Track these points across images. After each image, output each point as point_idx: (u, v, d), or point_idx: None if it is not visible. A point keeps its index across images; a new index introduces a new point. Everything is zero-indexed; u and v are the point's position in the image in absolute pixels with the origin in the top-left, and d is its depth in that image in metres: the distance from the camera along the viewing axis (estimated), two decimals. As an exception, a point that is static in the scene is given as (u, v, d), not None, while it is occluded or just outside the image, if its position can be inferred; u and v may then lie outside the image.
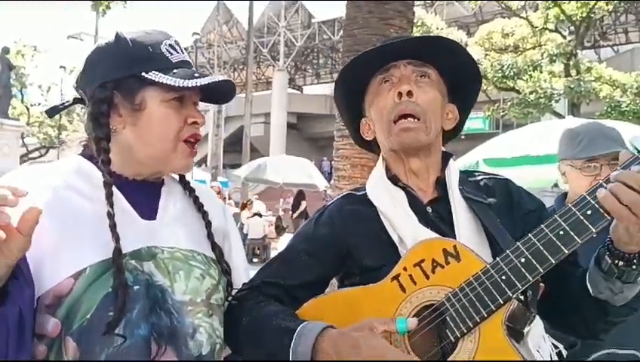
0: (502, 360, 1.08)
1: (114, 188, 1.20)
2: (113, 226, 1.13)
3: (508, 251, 1.11)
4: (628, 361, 1.92)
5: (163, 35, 1.27)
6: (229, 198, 18.46)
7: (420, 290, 1.18)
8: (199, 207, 1.34)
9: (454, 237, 1.26)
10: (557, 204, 2.24)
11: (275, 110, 35.40)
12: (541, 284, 1.19)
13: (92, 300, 1.10)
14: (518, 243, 1.10)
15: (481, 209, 1.30)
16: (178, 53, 1.26)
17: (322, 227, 1.40)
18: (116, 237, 1.12)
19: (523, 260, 1.08)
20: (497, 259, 1.12)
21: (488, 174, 1.46)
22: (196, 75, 1.21)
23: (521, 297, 1.13)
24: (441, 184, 1.37)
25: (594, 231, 1.04)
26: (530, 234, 1.09)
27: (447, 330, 1.14)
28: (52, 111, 1.35)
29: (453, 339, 1.13)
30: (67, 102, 1.34)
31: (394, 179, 1.38)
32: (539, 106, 16.13)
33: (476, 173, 1.45)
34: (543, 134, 5.25)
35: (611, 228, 1.06)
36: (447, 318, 1.14)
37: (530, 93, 16.15)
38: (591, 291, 1.16)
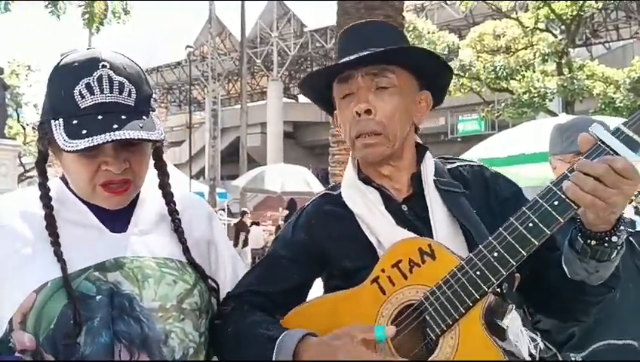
0: (482, 355, 1.10)
1: (83, 206, 1.26)
2: (59, 254, 1.18)
3: (481, 246, 1.13)
4: (626, 351, 1.93)
5: (89, 69, 1.17)
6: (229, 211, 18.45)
7: (399, 291, 1.20)
8: (171, 210, 1.34)
9: (431, 234, 1.27)
10: None
11: (271, 120, 35.45)
12: (516, 275, 1.20)
13: (53, 310, 1.14)
14: (490, 238, 1.12)
15: (457, 201, 1.31)
16: (94, 94, 1.15)
17: (300, 231, 1.41)
18: (60, 259, 1.17)
19: (496, 254, 1.10)
20: (471, 254, 1.14)
21: (464, 161, 1.44)
22: (92, 130, 1.13)
23: (497, 290, 1.14)
24: (416, 179, 1.36)
25: (562, 221, 1.07)
26: (500, 229, 1.11)
27: (427, 329, 1.16)
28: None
29: (434, 337, 1.15)
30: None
31: (366, 180, 1.37)
32: (533, 106, 16.18)
33: (452, 160, 1.44)
34: (536, 132, 5.28)
35: (580, 213, 1.08)
36: (427, 317, 1.15)
37: (524, 93, 16.21)
38: (567, 273, 1.17)
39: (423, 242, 1.20)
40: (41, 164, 1.26)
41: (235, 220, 17.86)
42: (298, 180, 15.36)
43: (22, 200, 1.27)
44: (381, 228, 1.30)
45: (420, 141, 1.44)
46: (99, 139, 1.11)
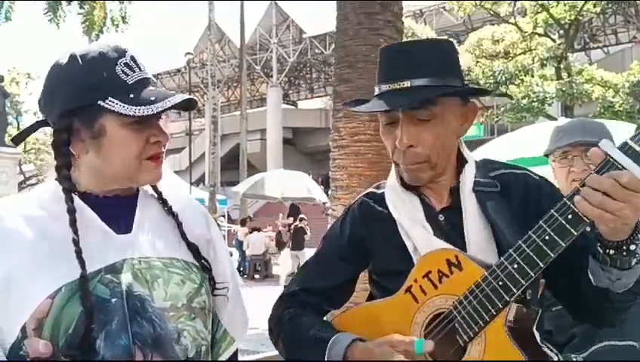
0: (506, 360, 1.18)
1: (86, 208, 1.23)
2: (79, 253, 1.16)
3: (502, 258, 1.19)
4: (626, 353, 1.94)
5: (118, 53, 1.22)
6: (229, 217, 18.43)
7: (430, 300, 1.28)
8: (169, 209, 1.35)
9: (465, 245, 1.32)
10: None
11: (271, 126, 35.51)
12: (541, 281, 1.25)
13: (71, 315, 1.14)
14: (510, 251, 1.18)
15: (492, 203, 1.35)
16: (134, 71, 1.22)
17: (346, 227, 1.51)
18: (82, 263, 1.15)
19: (516, 266, 1.17)
20: (493, 266, 1.20)
21: (509, 168, 1.45)
22: (153, 97, 1.20)
23: (522, 296, 1.20)
24: (455, 191, 1.40)
25: (575, 234, 1.12)
26: (520, 241, 1.17)
27: (457, 335, 1.23)
28: (18, 138, 1.37)
29: (462, 344, 1.23)
30: (31, 126, 1.34)
31: (408, 186, 1.42)
32: (532, 110, 16.23)
33: (497, 167, 1.45)
34: (536, 136, 5.29)
35: (596, 224, 1.11)
36: (456, 324, 1.23)
37: (523, 97, 16.26)
38: (592, 281, 1.21)
39: (451, 253, 1.27)
40: (64, 158, 1.24)
41: (235, 226, 17.87)
42: (298, 186, 15.37)
43: (22, 204, 1.25)
44: (418, 236, 1.37)
45: (466, 152, 1.45)
46: (176, 99, 1.20)
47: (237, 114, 21.92)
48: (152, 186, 1.36)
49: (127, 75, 1.21)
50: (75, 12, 13.20)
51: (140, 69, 1.24)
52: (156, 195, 1.37)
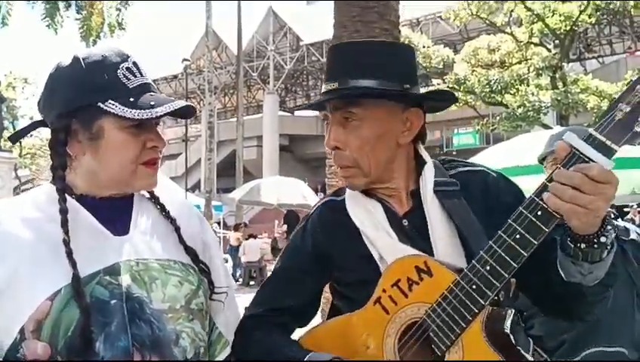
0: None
1: (83, 210, 1.24)
2: (69, 254, 1.16)
3: (474, 261, 1.16)
4: (616, 359, 1.95)
5: (121, 57, 1.25)
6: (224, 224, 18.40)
7: (401, 310, 1.24)
8: (166, 213, 1.36)
9: (431, 249, 1.29)
10: None
11: (267, 133, 35.50)
12: (512, 280, 1.21)
13: (71, 317, 1.14)
14: (481, 252, 1.15)
15: (454, 202, 1.33)
16: (136, 76, 1.24)
17: (307, 239, 1.44)
18: (73, 264, 1.15)
19: (488, 268, 1.13)
20: (465, 269, 1.16)
21: (466, 166, 1.43)
22: (152, 102, 1.22)
23: (496, 298, 1.16)
24: (416, 194, 1.37)
25: (547, 230, 1.09)
26: (491, 242, 1.14)
27: (433, 345, 1.19)
28: (15, 138, 1.39)
29: (439, 353, 1.18)
30: (28, 126, 1.36)
31: (369, 193, 1.39)
32: (528, 119, 16.30)
33: (455, 165, 1.43)
34: (531, 144, 5.32)
35: (566, 219, 1.09)
36: (431, 334, 1.18)
37: (519, 107, 16.33)
38: (563, 276, 1.18)
39: (419, 259, 1.23)
40: (60, 157, 1.25)
41: (229, 233, 17.82)
42: (294, 193, 15.35)
43: (19, 207, 1.25)
44: (383, 244, 1.33)
45: (424, 154, 1.42)
46: (175, 105, 1.22)
47: (233, 120, 21.92)
48: (148, 191, 1.37)
49: (129, 80, 1.23)
50: (72, 17, 13.18)
51: (141, 74, 1.26)
52: (153, 200, 1.37)
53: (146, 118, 1.19)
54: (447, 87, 18.12)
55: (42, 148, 32.57)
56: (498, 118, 17.29)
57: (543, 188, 1.09)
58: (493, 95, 17.40)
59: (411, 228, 1.34)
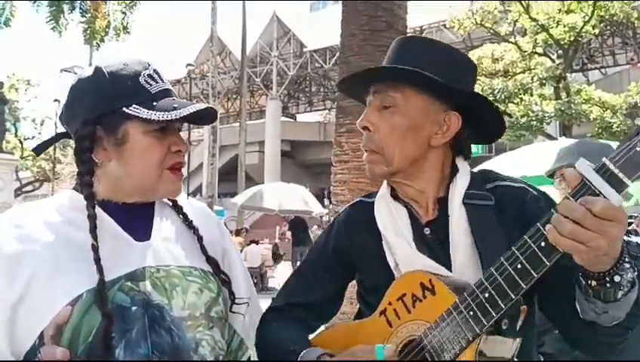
0: None
1: (105, 215, 1.25)
2: (97, 260, 1.16)
3: (473, 286, 1.10)
4: None
5: (141, 66, 1.27)
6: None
7: (403, 325, 1.22)
8: (189, 223, 1.36)
9: (449, 261, 1.26)
10: None
11: (269, 138, 35.56)
12: (522, 307, 1.14)
13: (91, 323, 1.13)
14: (481, 278, 1.09)
15: (481, 217, 1.27)
16: (157, 82, 1.27)
17: (332, 239, 1.46)
18: (100, 269, 1.15)
19: (487, 295, 1.07)
20: (465, 294, 1.11)
21: (506, 181, 1.35)
22: (175, 105, 1.24)
23: (497, 325, 1.11)
24: (443, 202, 1.32)
25: (548, 264, 1.01)
26: (492, 268, 1.08)
27: None
28: (40, 148, 1.39)
29: None
30: (53, 137, 1.38)
31: (396, 196, 1.37)
32: (531, 129, 16.30)
33: (494, 179, 1.35)
34: (537, 155, 5.31)
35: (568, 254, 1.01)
36: (427, 354, 1.16)
37: (522, 116, 16.33)
38: (580, 312, 1.11)
39: (425, 277, 1.20)
40: (87, 164, 1.26)
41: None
42: (296, 199, 15.35)
43: (45, 212, 1.26)
44: (401, 252, 1.31)
45: (460, 164, 1.36)
46: (198, 107, 1.24)
47: (236, 125, 21.95)
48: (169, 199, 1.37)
49: (151, 85, 1.26)
50: (77, 20, 13.22)
51: (162, 80, 1.29)
52: (174, 207, 1.38)
53: (171, 120, 1.21)
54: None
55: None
56: (501, 127, 17.25)
57: (550, 216, 1.00)
58: (497, 104, 17.39)
59: (433, 238, 1.31)
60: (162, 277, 1.23)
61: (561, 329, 1.27)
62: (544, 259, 1.01)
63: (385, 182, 1.41)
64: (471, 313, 1.09)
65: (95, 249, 1.17)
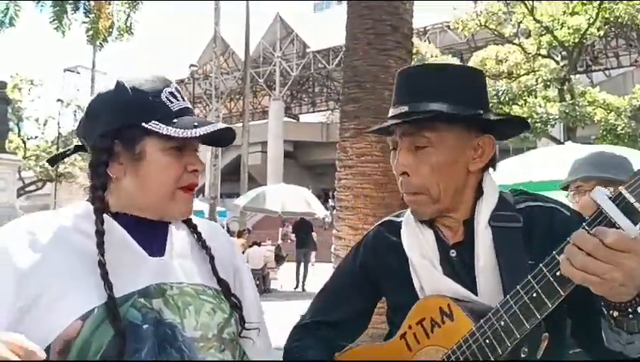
0: None
1: (120, 228, 1.23)
2: (105, 275, 1.13)
3: (490, 314, 1.09)
4: None
5: (163, 83, 1.27)
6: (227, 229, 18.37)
7: (422, 349, 1.22)
8: (202, 242, 1.35)
9: (474, 284, 1.24)
10: None
11: (272, 139, 35.57)
12: (544, 335, 1.12)
13: (101, 341, 1.10)
14: (498, 305, 1.08)
15: (507, 240, 1.24)
16: (178, 100, 1.26)
17: (360, 256, 1.47)
18: (109, 286, 1.13)
19: (502, 324, 1.07)
20: (482, 321, 1.10)
21: (537, 201, 1.32)
22: (195, 123, 1.22)
23: (516, 353, 1.08)
24: (469, 225, 1.30)
25: (563, 295, 0.99)
26: (508, 296, 1.07)
27: None
28: (53, 161, 1.40)
29: None
30: (68, 150, 1.37)
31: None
32: (535, 131, 16.23)
33: (523, 198, 1.33)
34: (544, 160, 5.27)
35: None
36: None
37: (526, 118, 16.28)
38: (605, 341, 1.07)
39: (444, 302, 1.20)
40: (103, 185, 1.24)
41: (233, 239, 17.78)
42: (299, 200, 15.33)
43: (59, 222, 1.23)
44: (426, 274, 1.29)
45: (488, 183, 1.33)
46: (217, 126, 1.23)
47: (238, 126, 21.93)
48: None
49: (172, 103, 1.25)
50: (80, 20, 13.23)
51: (183, 99, 1.28)
52: (189, 227, 1.36)
53: (189, 137, 1.20)
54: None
55: (46, 150, 32.67)
56: (505, 129, 17.18)
57: (566, 245, 0.98)
58: (501, 106, 17.34)
59: (459, 261, 1.29)
60: (175, 294, 1.21)
61: (591, 353, 1.23)
62: (559, 289, 0.99)
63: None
64: (487, 341, 1.09)
65: (102, 265, 1.14)
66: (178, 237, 1.31)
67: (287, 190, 16.14)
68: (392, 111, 1.31)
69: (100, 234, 1.17)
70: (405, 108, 1.28)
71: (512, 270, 1.20)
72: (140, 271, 1.20)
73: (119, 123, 1.22)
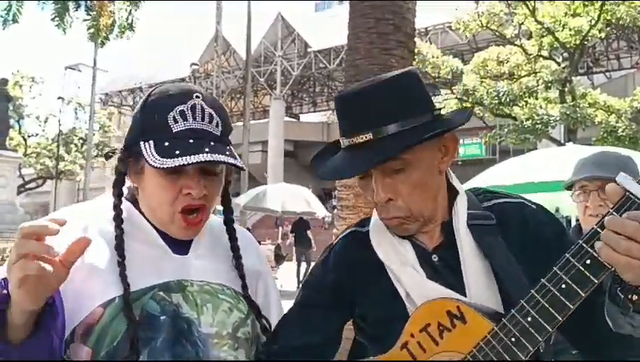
0: None
1: (149, 226, 1.29)
2: (123, 272, 1.19)
3: (513, 311, 1.07)
4: None
5: (184, 98, 1.23)
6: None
7: (432, 357, 1.15)
8: (233, 244, 1.37)
9: (463, 287, 1.21)
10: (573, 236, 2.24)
11: (273, 138, 35.54)
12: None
13: (118, 329, 1.16)
14: (522, 302, 1.06)
15: (488, 237, 1.24)
16: (187, 120, 1.22)
17: (331, 272, 1.37)
18: (124, 280, 1.18)
19: (530, 319, 1.04)
20: (504, 320, 1.08)
21: (503, 198, 1.34)
22: (178, 151, 1.18)
23: (539, 349, 1.08)
24: (447, 227, 1.29)
25: (597, 282, 0.99)
26: (533, 291, 1.05)
27: None
28: (108, 156, 1.43)
29: None
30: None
31: None
32: (536, 132, 16.23)
33: (490, 197, 1.35)
34: (545, 161, 5.27)
35: (619, 271, 0.99)
36: None
37: (527, 119, 16.27)
38: (612, 326, 1.07)
39: (451, 304, 1.15)
40: (119, 185, 1.30)
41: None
42: (299, 200, 15.32)
43: (94, 214, 1.30)
44: (410, 281, 1.25)
45: (456, 183, 1.34)
46: (193, 158, 1.17)
47: (239, 125, 21.90)
48: (224, 214, 1.40)
49: (176, 123, 1.22)
50: (81, 18, 13.22)
51: (194, 118, 1.23)
52: (227, 230, 1.39)
53: (157, 167, 1.17)
54: (456, 97, 18.09)
55: (47, 147, 32.66)
56: (506, 130, 17.18)
57: (593, 234, 0.99)
58: (502, 107, 17.33)
59: (442, 264, 1.26)
60: (195, 291, 1.25)
61: (586, 346, 1.24)
62: (592, 277, 0.99)
63: (375, 210, 1.34)
64: (513, 339, 1.06)
65: (120, 263, 1.20)
66: (206, 238, 1.35)
67: (288, 189, 16.13)
68: (349, 141, 1.24)
69: (118, 237, 1.22)
70: (369, 136, 1.21)
71: (504, 267, 1.20)
72: (163, 267, 1.25)
73: (130, 140, 1.27)
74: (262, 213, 24.11)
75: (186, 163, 1.16)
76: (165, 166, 1.16)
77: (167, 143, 1.20)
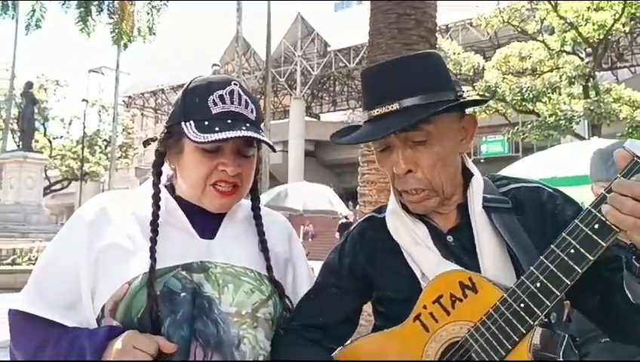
0: None
1: (179, 210, 1.37)
2: (152, 248, 1.28)
3: (523, 277, 1.07)
4: None
5: (223, 84, 1.34)
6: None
7: (442, 328, 1.17)
8: (259, 229, 1.45)
9: (478, 266, 1.22)
10: None
11: (293, 138, 35.66)
12: (565, 302, 1.14)
13: (141, 301, 1.24)
14: (531, 268, 1.07)
15: (505, 219, 1.25)
16: (225, 103, 1.32)
17: (346, 257, 1.41)
18: (153, 256, 1.27)
19: (539, 285, 1.05)
20: (513, 286, 1.08)
21: (519, 182, 1.35)
22: (217, 128, 1.29)
23: (545, 320, 1.08)
24: (462, 208, 1.31)
25: (604, 245, 1.00)
26: (542, 257, 1.06)
27: None
28: (146, 143, 1.53)
29: None
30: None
31: (409, 209, 1.33)
32: (559, 128, 16.02)
33: (506, 182, 1.36)
34: (570, 155, 5.21)
35: (628, 235, 1.00)
36: (473, 354, 1.11)
37: (550, 115, 16.07)
38: (631, 298, 1.07)
39: (463, 275, 1.16)
40: (158, 166, 1.41)
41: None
42: (321, 199, 15.30)
43: (131, 198, 1.41)
44: (426, 261, 1.27)
45: (471, 166, 1.36)
46: (231, 134, 1.27)
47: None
48: (251, 198, 1.48)
49: (215, 105, 1.32)
50: (104, 22, 13.40)
51: (232, 102, 1.33)
52: (255, 216, 1.47)
53: (199, 142, 1.28)
54: (478, 94, 17.92)
55: (72, 149, 33.16)
56: (529, 126, 16.98)
57: (601, 199, 1.00)
58: (524, 103, 17.14)
59: (457, 245, 1.28)
60: (217, 273, 1.32)
61: (604, 318, 1.22)
62: (599, 240, 1.00)
63: (392, 200, 1.36)
64: (522, 305, 1.06)
65: (152, 240, 1.29)
66: (233, 223, 1.43)
67: (309, 188, 16.13)
68: (377, 111, 1.26)
69: (154, 214, 1.32)
70: (396, 106, 1.23)
71: (520, 247, 1.21)
72: (188, 249, 1.33)
73: (171, 121, 1.37)
74: (283, 213, 24.20)
75: (225, 137, 1.26)
76: (206, 140, 1.26)
77: (207, 123, 1.30)
